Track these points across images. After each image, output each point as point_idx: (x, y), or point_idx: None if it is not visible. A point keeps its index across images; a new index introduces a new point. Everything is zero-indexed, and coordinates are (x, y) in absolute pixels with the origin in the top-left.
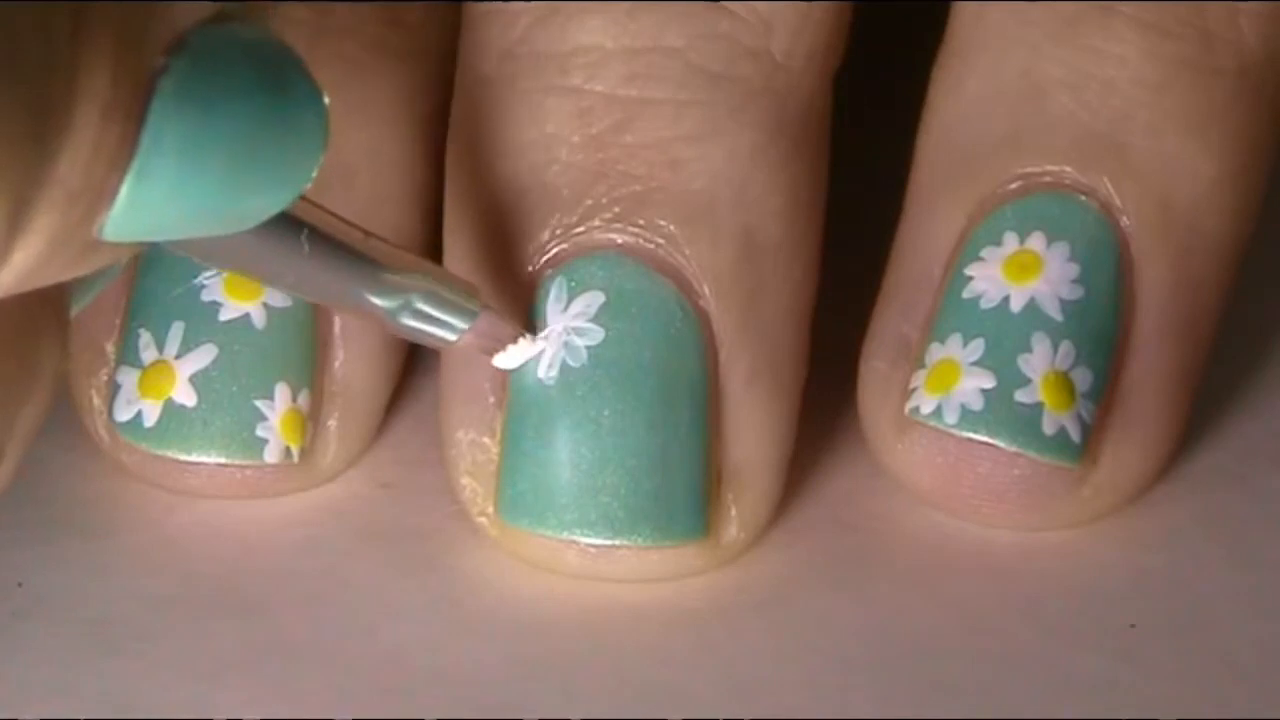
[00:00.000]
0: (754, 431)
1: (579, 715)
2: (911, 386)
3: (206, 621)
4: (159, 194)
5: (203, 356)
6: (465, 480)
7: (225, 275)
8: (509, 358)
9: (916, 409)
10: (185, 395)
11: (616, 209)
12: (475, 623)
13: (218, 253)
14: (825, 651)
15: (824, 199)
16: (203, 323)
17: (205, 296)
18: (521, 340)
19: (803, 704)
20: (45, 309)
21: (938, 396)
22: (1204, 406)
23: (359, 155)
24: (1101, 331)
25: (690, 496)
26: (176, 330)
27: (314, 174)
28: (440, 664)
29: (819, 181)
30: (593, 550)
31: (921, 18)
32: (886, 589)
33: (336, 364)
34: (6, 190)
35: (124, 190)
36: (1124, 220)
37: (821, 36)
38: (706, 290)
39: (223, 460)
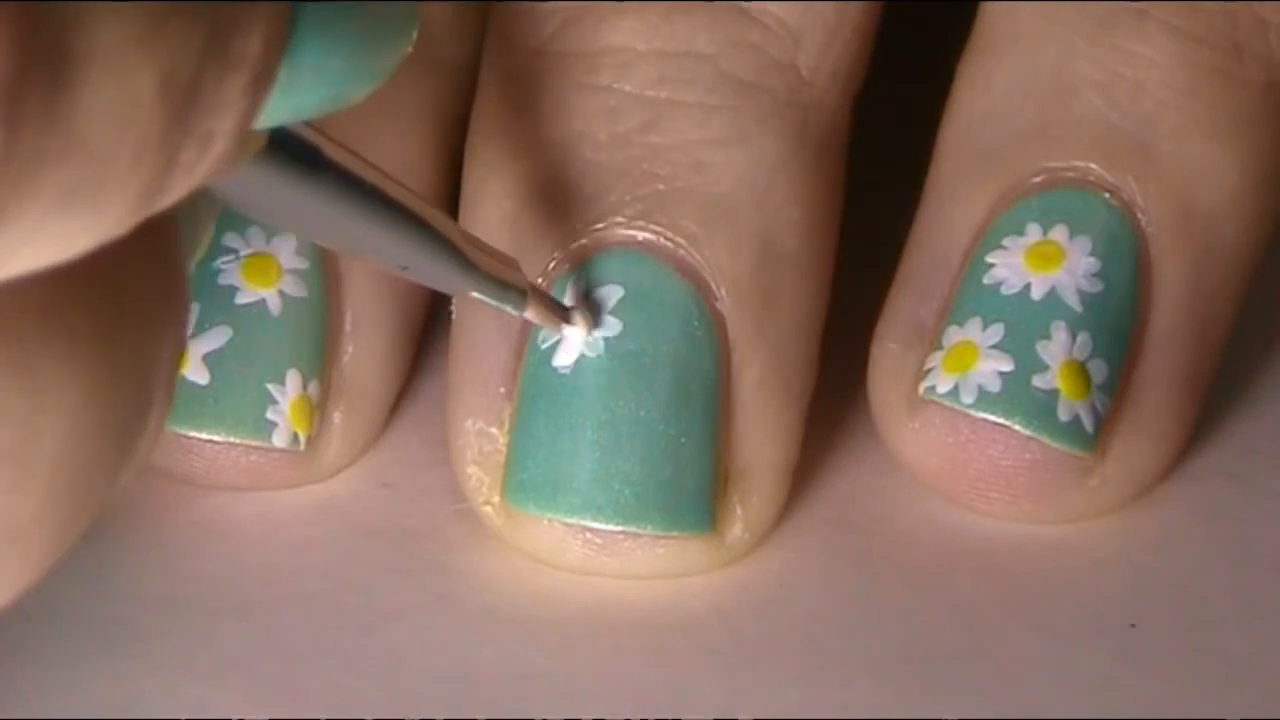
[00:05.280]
0: (761, 435)
1: (579, 715)
2: (927, 367)
3: (206, 621)
4: (305, 73)
5: (217, 337)
6: (471, 469)
7: (243, 260)
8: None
9: (933, 388)
10: (198, 373)
11: (639, 206)
12: (475, 623)
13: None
14: (825, 651)
15: (840, 218)
16: (218, 305)
17: (222, 280)
18: (566, 328)
19: (803, 704)
20: (173, 249)
21: (955, 377)
22: (1204, 406)
23: (377, 158)
24: (1118, 326)
25: (700, 490)
26: (191, 311)
27: (415, 35)
28: (440, 664)
29: (836, 199)
30: (598, 540)
31: (921, 20)
32: (887, 589)
33: (346, 358)
34: (212, 64)
35: (281, 73)
36: (1145, 220)
37: (846, 57)
38: (723, 293)
39: (231, 440)
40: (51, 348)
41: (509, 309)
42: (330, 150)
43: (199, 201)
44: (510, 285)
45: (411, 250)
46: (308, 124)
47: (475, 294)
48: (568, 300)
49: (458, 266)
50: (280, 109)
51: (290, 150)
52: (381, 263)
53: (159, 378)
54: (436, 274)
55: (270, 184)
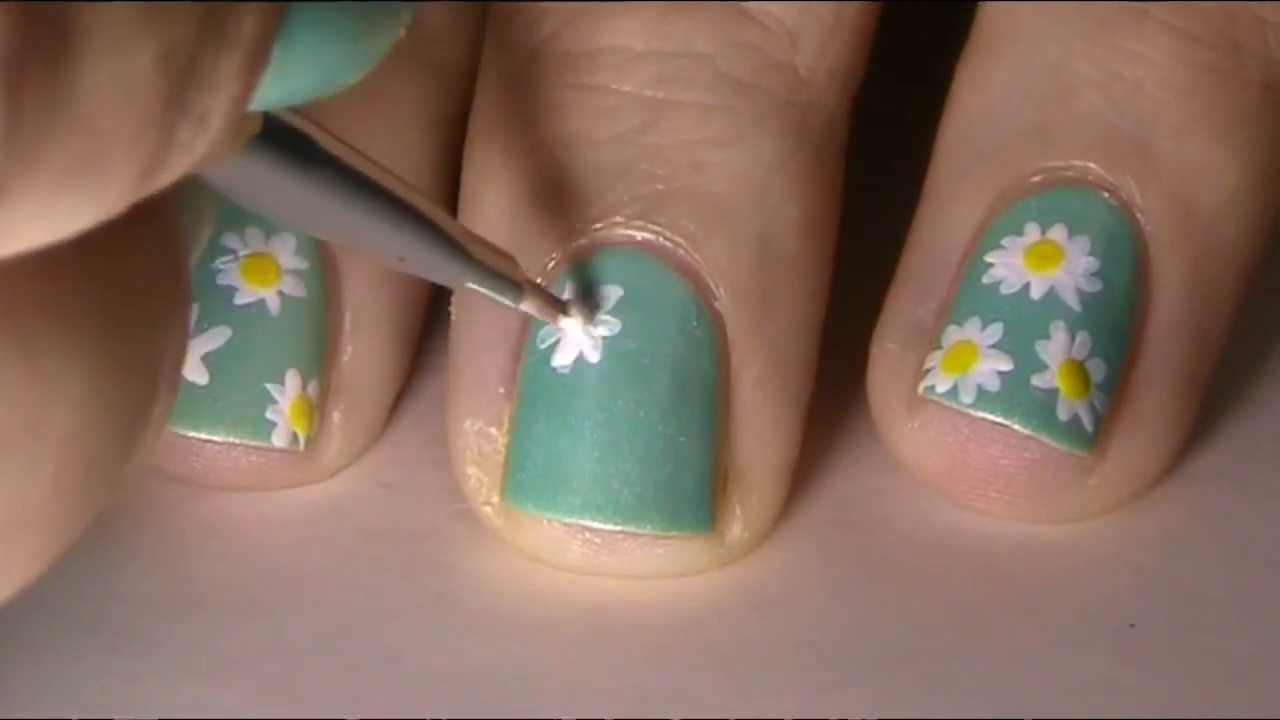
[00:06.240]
0: (760, 435)
1: (579, 715)
2: (927, 366)
3: (206, 621)
4: (298, 54)
5: (216, 338)
6: (470, 470)
7: (241, 260)
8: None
9: (932, 388)
10: (197, 374)
11: (638, 206)
12: (475, 623)
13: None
14: (826, 651)
15: (839, 218)
16: (217, 305)
17: (221, 280)
18: (564, 320)
19: (803, 704)
20: (175, 239)
21: (954, 376)
22: (1204, 406)
23: (376, 157)
24: (1117, 325)
25: (699, 490)
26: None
27: (409, 19)
28: (440, 664)
29: (835, 199)
30: (598, 540)
31: (921, 20)
32: (886, 589)
33: (345, 358)
34: (220, 45)
35: (274, 54)
36: (1144, 220)
37: (845, 57)
38: (722, 293)
39: (230, 440)
40: (56, 336)
41: (506, 301)
42: (325, 140)
43: (199, 193)
44: (507, 278)
45: (407, 241)
46: (303, 114)
47: (471, 285)
48: (566, 298)
49: (453, 257)
50: (273, 91)
51: (285, 139)
52: (377, 253)
53: (164, 367)
54: (433, 265)
55: (266, 173)
